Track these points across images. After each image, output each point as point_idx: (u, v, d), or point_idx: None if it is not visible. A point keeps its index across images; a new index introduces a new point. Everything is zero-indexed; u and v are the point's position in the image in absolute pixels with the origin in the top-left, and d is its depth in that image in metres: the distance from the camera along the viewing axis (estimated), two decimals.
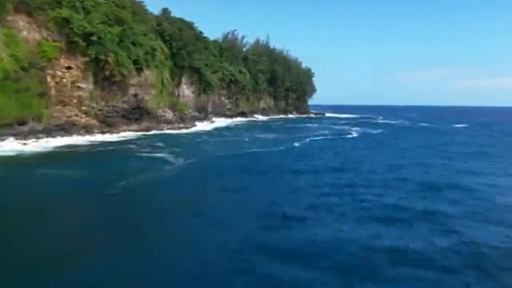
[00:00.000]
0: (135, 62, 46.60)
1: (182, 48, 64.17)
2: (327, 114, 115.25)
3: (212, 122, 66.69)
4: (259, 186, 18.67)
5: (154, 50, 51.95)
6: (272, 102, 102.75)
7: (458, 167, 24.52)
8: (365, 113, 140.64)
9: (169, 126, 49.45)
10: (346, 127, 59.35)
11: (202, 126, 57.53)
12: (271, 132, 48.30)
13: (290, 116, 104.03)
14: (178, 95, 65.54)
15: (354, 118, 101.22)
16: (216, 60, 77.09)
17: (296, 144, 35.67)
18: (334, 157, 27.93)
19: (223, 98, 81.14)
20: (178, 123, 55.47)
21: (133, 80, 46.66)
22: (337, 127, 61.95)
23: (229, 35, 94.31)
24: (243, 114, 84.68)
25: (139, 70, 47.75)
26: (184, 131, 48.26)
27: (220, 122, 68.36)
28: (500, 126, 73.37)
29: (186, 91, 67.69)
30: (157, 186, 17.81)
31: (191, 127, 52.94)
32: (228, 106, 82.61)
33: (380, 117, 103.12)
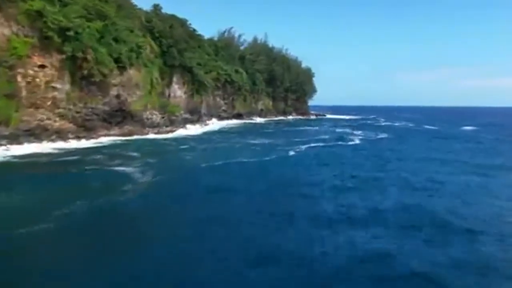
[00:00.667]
0: (117, 60, 42.66)
1: (173, 46, 60.28)
2: (328, 116, 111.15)
3: (206, 124, 62.73)
4: (237, 217, 14.61)
5: (140, 47, 48.00)
6: (270, 103, 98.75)
7: (497, 191, 18.92)
8: (367, 115, 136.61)
9: (155, 130, 45.51)
10: (347, 130, 55.11)
11: (193, 129, 53.60)
12: (266, 137, 44.21)
13: (289, 117, 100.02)
14: (169, 96, 61.63)
15: (355, 120, 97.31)
16: (211, 59, 73.15)
17: (291, 153, 31.66)
18: (334, 172, 23.75)
19: (218, 99, 77.17)
20: (167, 126, 51.56)
21: (115, 80, 42.73)
22: (338, 130, 57.90)
23: (226, 34, 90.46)
24: (239, 116, 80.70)
25: (122, 69, 43.80)
26: (170, 135, 44.33)
27: (214, 124, 64.43)
28: None
29: (178, 91, 63.75)
30: (96, 222, 13.47)
31: (178, 131, 48.89)
32: (223, 108, 78.65)
33: (382, 119, 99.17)
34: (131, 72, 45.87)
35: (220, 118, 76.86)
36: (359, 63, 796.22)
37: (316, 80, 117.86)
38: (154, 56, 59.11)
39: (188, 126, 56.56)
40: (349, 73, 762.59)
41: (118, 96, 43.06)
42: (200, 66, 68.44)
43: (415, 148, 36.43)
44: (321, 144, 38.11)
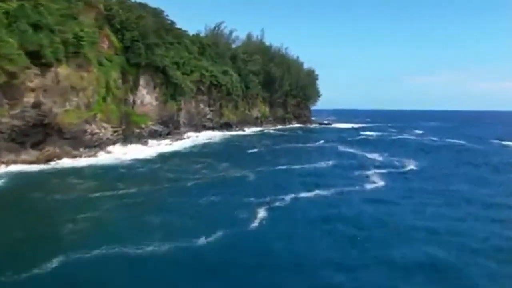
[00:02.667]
0: (35, 55, 30.26)
1: (138, 40, 47.94)
2: (334, 125, 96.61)
3: (179, 139, 49.99)
4: None
5: (79, 39, 35.56)
6: (267, 109, 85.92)
7: None
8: (376, 121, 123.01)
9: (92, 153, 32.86)
10: (359, 152, 39.94)
11: (153, 148, 40.88)
12: (239, 167, 29.50)
13: (289, 126, 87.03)
14: (134, 102, 49.24)
15: (365, 129, 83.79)
16: (192, 57, 60.64)
17: (262, 214, 17.48)
18: None
19: (201, 106, 64.58)
20: (120, 143, 39.10)
21: (32, 83, 30.30)
22: (348, 152, 40.79)
23: (216, 30, 77.95)
24: (227, 125, 67.96)
25: (45, 67, 31.38)
26: (102, 160, 31.10)
27: (189, 139, 51.71)
28: None
29: (147, 97, 51.34)
30: None
31: (116, 152, 35.44)
32: (209, 116, 66.03)
33: (394, 130, 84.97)
34: (62, 71, 33.40)
35: (205, 128, 64.32)
36: (365, 66, 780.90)
37: (320, 84, 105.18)
38: (114, 52, 46.90)
39: (151, 141, 44.01)
40: (354, 76, 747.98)
41: (37, 105, 30.58)
42: (176, 65, 56.00)
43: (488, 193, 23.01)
44: (322, 192, 21.99)
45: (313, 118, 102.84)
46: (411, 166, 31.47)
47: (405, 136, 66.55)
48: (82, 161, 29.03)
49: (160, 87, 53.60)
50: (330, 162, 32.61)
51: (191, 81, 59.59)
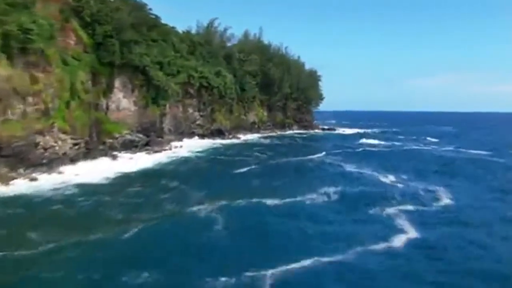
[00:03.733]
0: None
1: (111, 35, 41.33)
2: (339, 130, 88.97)
3: (158, 151, 43.25)
4: None
5: (26, 32, 28.90)
6: (265, 114, 79.04)
7: None
8: (381, 125, 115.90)
9: (33, 174, 26.10)
10: (367, 172, 31.96)
11: (121, 164, 34.09)
12: (213, 200, 21.72)
13: (289, 132, 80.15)
14: (107, 108, 42.61)
15: (371, 135, 76.73)
16: (179, 56, 53.97)
17: None
18: None
19: (190, 110, 57.89)
20: (82, 158, 32.45)
21: None
22: (353, 171, 33.32)
23: (209, 27, 71.17)
24: (219, 132, 61.16)
25: None
26: (38, 186, 23.76)
27: (170, 151, 44.95)
28: None
29: (123, 101, 44.72)
30: None
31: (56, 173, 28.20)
32: (198, 122, 59.31)
33: (403, 136, 77.87)
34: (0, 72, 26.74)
35: (195, 135, 57.68)
36: (364, 67, 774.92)
37: (323, 85, 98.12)
38: (83, 49, 40.29)
39: (123, 155, 37.43)
40: (353, 77, 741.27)
41: None
42: (161, 65, 49.36)
43: None
44: (322, 259, 14.16)
45: (315, 122, 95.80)
46: (445, 198, 23.46)
47: (419, 146, 59.02)
48: (9, 189, 22.17)
49: (140, 89, 46.94)
50: (333, 191, 24.76)
51: (177, 83, 52.94)
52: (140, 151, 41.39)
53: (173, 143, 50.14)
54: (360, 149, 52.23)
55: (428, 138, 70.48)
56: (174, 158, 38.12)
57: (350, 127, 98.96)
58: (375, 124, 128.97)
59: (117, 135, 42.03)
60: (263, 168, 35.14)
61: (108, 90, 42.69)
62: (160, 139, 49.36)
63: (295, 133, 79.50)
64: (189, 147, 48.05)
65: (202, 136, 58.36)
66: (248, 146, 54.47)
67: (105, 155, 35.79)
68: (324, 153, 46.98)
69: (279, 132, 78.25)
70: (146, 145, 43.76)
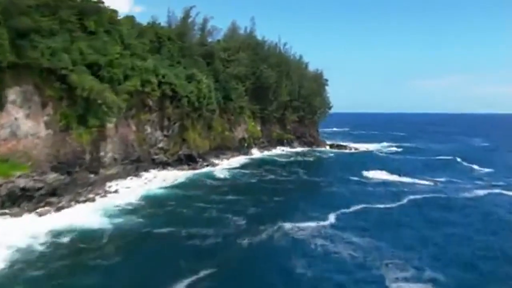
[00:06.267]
0: None
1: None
2: (349, 148, 70.35)
3: (71, 206, 27.24)
4: None
5: None
6: (258, 128, 62.74)
7: None
8: (405, 138, 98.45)
9: None
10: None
11: None
12: None
13: (288, 151, 63.73)
14: None
15: (400, 161, 60.16)
16: (128, 55, 37.87)
17: None
18: None
19: (149, 130, 41.80)
20: None
21: None
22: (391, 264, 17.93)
23: (185, 17, 54.95)
24: (190, 159, 44.94)
25: None
26: None
27: (93, 204, 28.93)
28: None
29: (26, 123, 28.92)
30: None
31: None
32: (161, 145, 43.16)
33: (423, 158, 61.15)
34: None
35: (156, 164, 41.69)
36: (365, 68, 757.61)
37: (331, 90, 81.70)
38: None
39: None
40: (353, 78, 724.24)
41: None
42: (96, 67, 33.37)
43: None
44: None
45: (320, 131, 79.05)
46: None
47: (474, 184, 38.61)
48: None
49: (57, 104, 31.04)
50: None
51: (127, 92, 36.97)
52: (35, 207, 25.36)
53: (114, 182, 34.17)
54: (391, 196, 33.71)
55: (475, 167, 49.70)
56: (93, 222, 21.64)
57: (365, 141, 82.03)
58: (387, 133, 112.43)
59: (4, 180, 26.07)
60: (230, 243, 18.35)
61: None
62: (92, 175, 33.41)
63: (296, 152, 62.90)
64: (131, 194, 31.67)
65: (165, 165, 42.30)
66: (225, 181, 38.01)
67: None
68: (331, 202, 30.04)
69: (275, 151, 62.11)
70: (53, 195, 27.59)
